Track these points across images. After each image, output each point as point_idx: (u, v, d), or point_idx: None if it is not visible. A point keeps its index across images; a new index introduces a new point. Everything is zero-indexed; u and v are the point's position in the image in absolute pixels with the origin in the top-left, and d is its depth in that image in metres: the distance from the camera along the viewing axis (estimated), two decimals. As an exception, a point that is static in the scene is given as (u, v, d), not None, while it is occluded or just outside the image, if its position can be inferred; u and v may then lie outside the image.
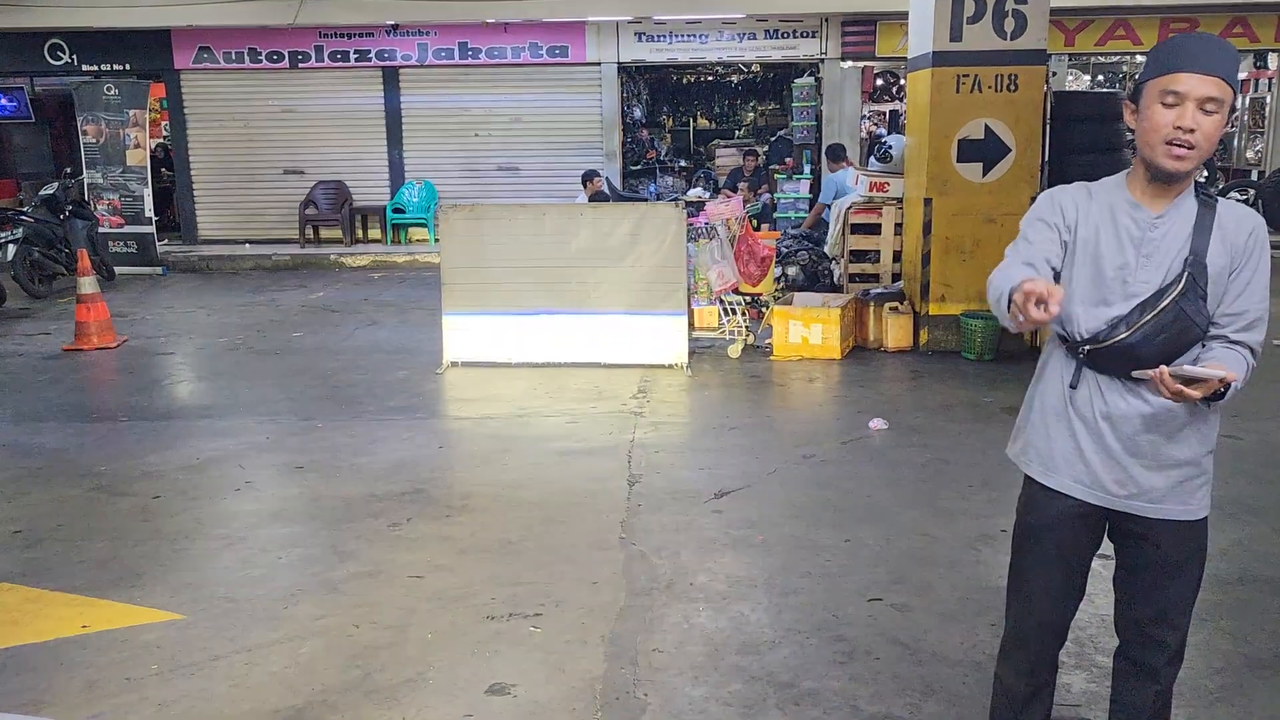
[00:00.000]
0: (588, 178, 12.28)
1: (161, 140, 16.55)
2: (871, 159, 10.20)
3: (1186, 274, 2.23)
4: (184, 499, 5.24)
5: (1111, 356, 2.27)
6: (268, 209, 15.52)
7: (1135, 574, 2.45)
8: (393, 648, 3.68)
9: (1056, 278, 2.33)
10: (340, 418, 6.65)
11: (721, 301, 8.37)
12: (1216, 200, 2.29)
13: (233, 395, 7.32)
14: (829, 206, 10.59)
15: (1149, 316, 2.24)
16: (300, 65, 15.09)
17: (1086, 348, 2.31)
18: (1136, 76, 2.29)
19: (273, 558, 4.49)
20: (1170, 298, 2.23)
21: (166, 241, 14.95)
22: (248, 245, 15.02)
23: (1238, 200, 14.92)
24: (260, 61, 15.07)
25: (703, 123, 18.74)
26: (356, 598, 4.08)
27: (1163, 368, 2.15)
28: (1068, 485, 2.41)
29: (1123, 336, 2.26)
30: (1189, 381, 2.12)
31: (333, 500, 5.19)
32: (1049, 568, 2.47)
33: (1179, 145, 2.17)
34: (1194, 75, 2.15)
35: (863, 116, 16.03)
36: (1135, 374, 2.25)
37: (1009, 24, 7.77)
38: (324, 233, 15.35)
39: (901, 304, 8.37)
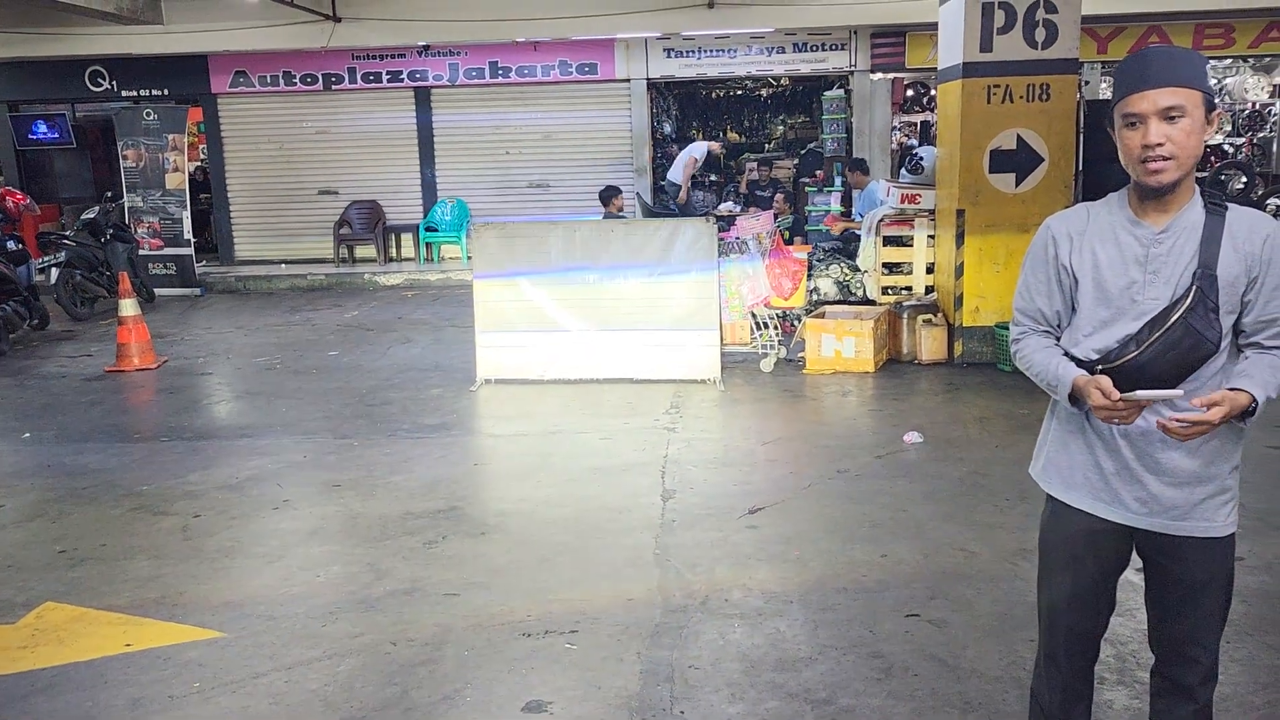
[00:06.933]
0: (609, 196, 11.52)
1: (199, 163, 16.82)
2: (903, 171, 10.17)
3: (1195, 288, 2.21)
4: (224, 518, 5.31)
5: (1124, 376, 2.23)
6: (303, 229, 15.71)
7: (1164, 592, 2.42)
8: (429, 665, 3.70)
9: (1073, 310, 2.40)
10: (376, 436, 6.71)
11: (753, 315, 8.36)
12: (1226, 207, 2.26)
13: (270, 414, 7.40)
14: (862, 216, 10.58)
15: (1158, 334, 2.22)
16: (334, 87, 15.28)
17: (1099, 367, 2.29)
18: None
19: (311, 575, 4.54)
20: (1178, 313, 2.21)
21: (204, 263, 15.18)
22: (284, 266, 15.21)
23: (1278, 206, 14.61)
24: (295, 84, 15.28)
25: (733, 137, 18.75)
26: (393, 615, 4.11)
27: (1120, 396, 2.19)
28: (1088, 503, 2.40)
29: (1133, 355, 2.24)
30: (1210, 406, 2.16)
31: (369, 518, 5.23)
32: (1074, 585, 2.46)
33: (1153, 160, 2.18)
34: (1146, 93, 2.17)
35: (893, 128, 15.97)
36: (1126, 396, 2.20)
37: (1040, 34, 7.73)
38: (358, 252, 15.53)
39: (935, 316, 8.33)
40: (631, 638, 3.85)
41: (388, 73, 15.18)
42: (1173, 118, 2.16)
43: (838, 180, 13.64)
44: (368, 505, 5.43)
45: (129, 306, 9.04)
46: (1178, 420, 2.17)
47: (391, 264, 15.27)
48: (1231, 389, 2.19)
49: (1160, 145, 2.17)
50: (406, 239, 15.69)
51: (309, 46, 14.19)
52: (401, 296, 13.26)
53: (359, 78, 15.22)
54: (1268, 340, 2.27)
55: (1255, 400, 2.18)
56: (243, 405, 7.93)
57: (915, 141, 15.97)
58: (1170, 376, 2.22)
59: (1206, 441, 2.29)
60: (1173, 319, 2.21)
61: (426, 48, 14.81)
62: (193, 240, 13.83)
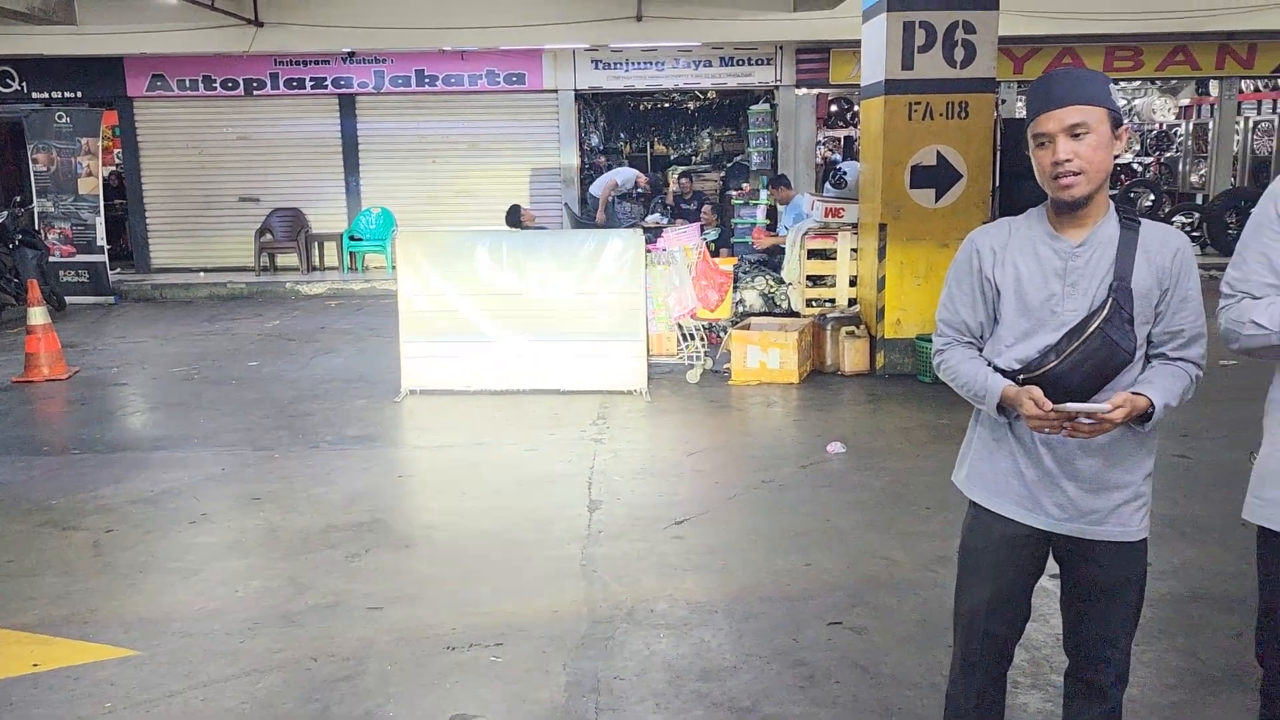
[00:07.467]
0: (515, 217, 11.63)
1: (114, 168, 16.37)
2: (827, 185, 10.32)
3: (1111, 299, 2.29)
4: (138, 532, 5.16)
5: (1044, 384, 2.31)
6: (223, 237, 15.37)
7: (1079, 595, 2.50)
8: (351, 680, 3.65)
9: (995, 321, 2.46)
10: (297, 448, 6.59)
11: (680, 327, 8.41)
12: (1139, 222, 2.36)
13: (187, 426, 7.22)
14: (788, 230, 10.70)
15: (1076, 344, 2.30)
16: (255, 93, 15.01)
17: (1021, 376, 2.36)
18: None
19: (229, 591, 4.43)
20: (1095, 324, 2.29)
21: (119, 270, 14.76)
22: (202, 274, 14.87)
23: (1184, 223, 15.17)
24: (215, 89, 14.97)
25: (660, 149, 18.84)
26: (314, 630, 4.04)
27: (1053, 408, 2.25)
28: (1009, 509, 2.47)
29: (1053, 365, 2.32)
30: (1113, 406, 2.23)
31: (290, 532, 5.13)
32: (992, 590, 2.53)
33: (1063, 176, 2.27)
34: (1053, 113, 2.27)
35: (818, 142, 16.23)
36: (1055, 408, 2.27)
37: (959, 53, 7.93)
38: (280, 260, 15.26)
39: (858, 328, 8.46)
40: (557, 649, 3.84)
41: (311, 79, 14.97)
42: (1079, 134, 2.25)
43: (763, 193, 13.80)
44: (288, 518, 5.32)
45: (38, 315, 8.75)
46: (1084, 417, 2.25)
47: (315, 273, 15.04)
48: (1134, 393, 2.28)
49: (1068, 161, 2.25)
50: (330, 248, 15.46)
51: (230, 51, 13.93)
52: (325, 306, 13.05)
53: (281, 83, 14.97)
54: (1173, 351, 2.36)
55: (1153, 404, 2.27)
56: (158, 416, 7.72)
57: (839, 156, 16.24)
58: (1088, 385, 2.30)
59: (1123, 450, 2.37)
60: (1090, 329, 2.29)
61: (351, 54, 14.63)
62: (106, 247, 13.45)
